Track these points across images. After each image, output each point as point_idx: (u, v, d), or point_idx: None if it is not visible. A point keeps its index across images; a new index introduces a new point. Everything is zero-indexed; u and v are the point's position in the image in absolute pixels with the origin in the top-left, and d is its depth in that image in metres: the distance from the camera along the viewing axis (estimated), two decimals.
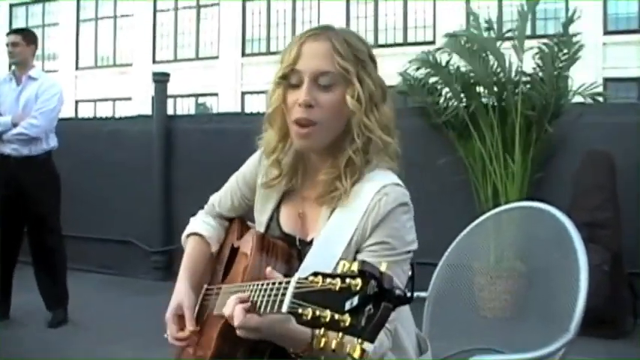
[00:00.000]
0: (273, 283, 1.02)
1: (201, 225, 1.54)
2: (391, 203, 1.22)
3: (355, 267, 0.84)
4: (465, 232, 1.98)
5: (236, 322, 1.07)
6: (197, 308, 1.41)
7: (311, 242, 1.29)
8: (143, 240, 5.62)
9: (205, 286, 1.47)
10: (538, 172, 4.35)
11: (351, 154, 1.25)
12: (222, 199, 1.56)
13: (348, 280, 0.83)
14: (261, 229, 1.40)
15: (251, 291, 1.10)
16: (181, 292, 1.41)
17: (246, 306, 1.07)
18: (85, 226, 5.66)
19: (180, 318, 1.37)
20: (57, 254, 4.03)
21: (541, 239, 1.85)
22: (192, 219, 1.60)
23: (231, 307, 1.09)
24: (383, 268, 0.83)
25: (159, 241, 5.51)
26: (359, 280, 0.82)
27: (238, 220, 1.54)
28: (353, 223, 1.23)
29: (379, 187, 1.24)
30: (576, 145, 4.32)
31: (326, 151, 1.29)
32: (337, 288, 0.83)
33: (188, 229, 1.56)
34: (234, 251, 1.44)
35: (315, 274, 0.87)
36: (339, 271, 0.85)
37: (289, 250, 1.31)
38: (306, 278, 0.89)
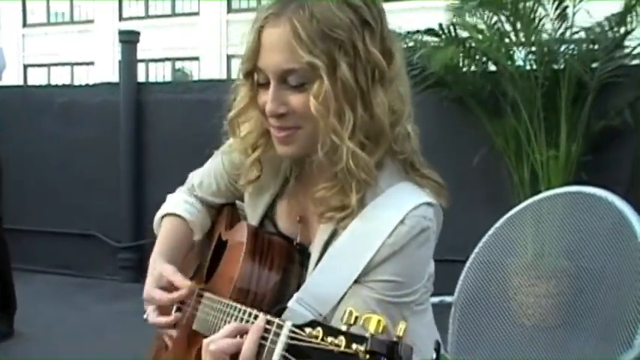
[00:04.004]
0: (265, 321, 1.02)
1: (182, 205, 1.50)
2: (404, 236, 1.17)
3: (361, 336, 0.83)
4: (498, 224, 1.97)
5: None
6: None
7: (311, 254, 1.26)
8: (109, 234, 5.61)
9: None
10: (589, 151, 4.31)
11: (346, 165, 1.17)
12: (204, 180, 1.51)
13: (354, 346, 0.82)
14: (254, 224, 1.37)
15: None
16: (158, 265, 1.38)
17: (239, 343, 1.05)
18: (36, 218, 5.66)
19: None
20: None
21: (592, 231, 1.84)
22: (169, 196, 1.55)
23: (228, 333, 1.08)
24: (400, 331, 0.83)
25: (128, 235, 5.51)
26: None
27: (228, 208, 1.49)
28: (371, 248, 1.17)
29: (404, 214, 1.17)
30: (638, 117, 4.28)
31: (319, 155, 1.21)
32: (340, 351, 0.83)
33: (164, 209, 1.52)
34: (222, 245, 1.41)
35: (314, 323, 0.87)
36: (343, 320, 0.85)
37: (288, 251, 1.29)
38: (302, 328, 0.88)
